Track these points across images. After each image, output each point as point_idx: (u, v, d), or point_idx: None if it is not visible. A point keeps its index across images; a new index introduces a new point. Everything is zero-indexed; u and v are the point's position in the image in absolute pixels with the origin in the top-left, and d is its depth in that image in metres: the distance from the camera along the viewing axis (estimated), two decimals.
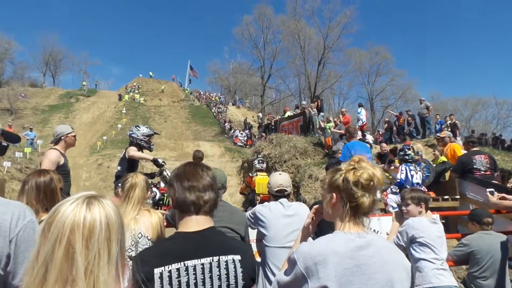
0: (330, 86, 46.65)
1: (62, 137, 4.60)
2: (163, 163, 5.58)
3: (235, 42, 61.77)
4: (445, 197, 7.49)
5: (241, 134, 31.10)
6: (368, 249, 1.48)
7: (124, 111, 41.13)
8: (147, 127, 5.75)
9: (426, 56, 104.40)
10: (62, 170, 4.38)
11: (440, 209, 6.75)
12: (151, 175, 5.66)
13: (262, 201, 8.18)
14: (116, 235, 1.06)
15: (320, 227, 1.94)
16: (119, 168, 5.40)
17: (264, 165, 9.21)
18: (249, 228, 3.17)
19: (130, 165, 5.37)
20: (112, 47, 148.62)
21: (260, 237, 3.11)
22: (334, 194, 1.60)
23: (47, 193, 2.41)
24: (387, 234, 3.87)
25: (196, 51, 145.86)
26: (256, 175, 8.71)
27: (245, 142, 30.11)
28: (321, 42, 41.88)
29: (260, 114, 42.93)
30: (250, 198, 8.83)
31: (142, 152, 5.54)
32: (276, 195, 3.24)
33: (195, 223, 1.59)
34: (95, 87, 62.36)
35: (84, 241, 1.00)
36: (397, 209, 5.76)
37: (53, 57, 63.70)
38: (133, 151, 5.38)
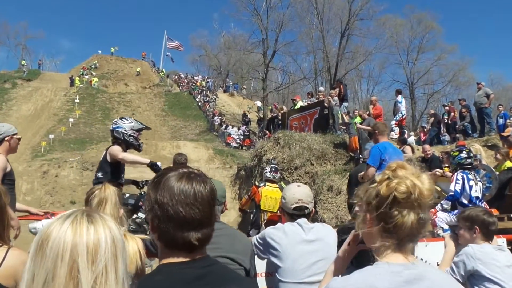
0: (356, 67, 46.66)
1: (6, 138, 4.69)
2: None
3: (227, 6, 61.65)
4: None
5: (236, 131, 31.17)
6: (419, 285, 1.51)
7: (77, 100, 41.20)
8: (135, 120, 5.86)
9: (485, 27, 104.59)
10: (9, 179, 4.48)
11: (505, 232, 6.79)
12: (137, 183, 5.76)
13: (269, 222, 8.21)
14: (121, 253, 1.19)
15: (357, 257, 1.98)
16: (99, 174, 5.46)
17: (278, 175, 9.17)
18: (256, 258, 3.20)
19: (114, 170, 5.44)
20: (60, 14, 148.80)
21: (272, 269, 3.14)
22: (367, 214, 1.64)
23: None
24: (438, 264, 3.93)
25: (175, 18, 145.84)
26: (265, 185, 8.74)
27: (241, 142, 30.19)
28: (346, 6, 41.87)
29: (259, 103, 42.77)
30: (254, 216, 8.85)
31: (126, 152, 5.62)
32: (294, 213, 3.28)
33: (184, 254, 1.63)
34: (38, 67, 62.42)
35: (89, 256, 1.12)
36: (449, 232, 5.82)
37: None
38: (119, 152, 5.43)
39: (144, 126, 5.83)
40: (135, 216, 5.13)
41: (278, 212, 8.65)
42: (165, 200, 1.55)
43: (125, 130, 5.58)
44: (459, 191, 6.53)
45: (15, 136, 4.80)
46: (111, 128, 5.70)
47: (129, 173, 6.34)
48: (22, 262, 2.37)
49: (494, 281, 3.21)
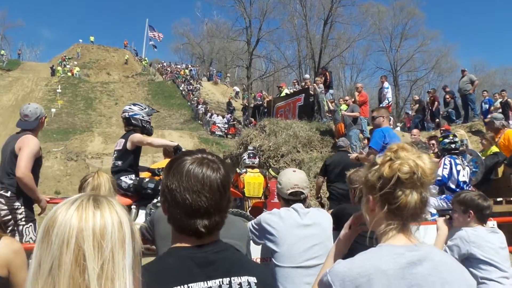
0: (340, 54, 46.68)
1: (41, 119, 5.00)
2: None
3: None
4: (498, 199, 7.67)
5: (221, 120, 31.12)
6: (423, 266, 1.52)
7: (59, 90, 40.71)
8: (147, 105, 5.87)
9: (467, 13, 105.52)
10: (38, 164, 4.74)
11: (492, 215, 6.91)
12: (152, 171, 5.78)
13: (254, 208, 8.25)
14: (130, 238, 1.15)
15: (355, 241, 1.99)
16: (119, 163, 5.39)
17: (256, 160, 9.30)
18: (251, 244, 3.21)
19: (134, 157, 5.45)
20: (40, 3, 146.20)
21: (268, 255, 3.16)
22: (370, 197, 1.65)
23: None
24: None
25: (157, 7, 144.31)
26: (246, 172, 8.78)
27: (225, 131, 30.17)
28: None
29: (237, 88, 42.48)
30: (237, 204, 8.90)
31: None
32: (290, 198, 3.30)
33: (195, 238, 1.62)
34: (18, 57, 61.48)
35: (95, 242, 1.08)
36: (436, 216, 5.89)
37: None
38: (145, 137, 5.45)
39: (154, 111, 5.87)
40: (155, 200, 5.13)
41: (262, 197, 8.73)
42: (173, 186, 1.56)
43: (143, 117, 5.56)
44: (446, 175, 6.60)
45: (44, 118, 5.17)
46: (127, 116, 5.61)
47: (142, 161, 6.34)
48: (13, 251, 2.35)
49: (490, 263, 3.25)
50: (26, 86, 42.52)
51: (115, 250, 1.10)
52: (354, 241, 1.95)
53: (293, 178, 3.33)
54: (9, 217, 4.60)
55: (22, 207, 4.70)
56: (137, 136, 5.37)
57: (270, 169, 10.29)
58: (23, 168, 4.48)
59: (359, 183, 1.74)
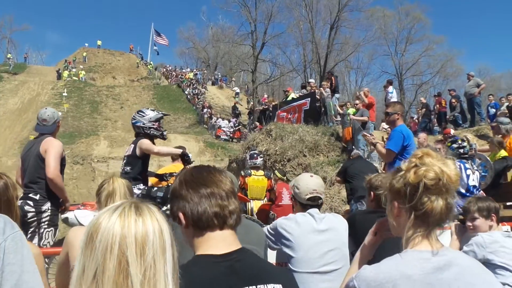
0: (345, 58, 46.77)
1: (58, 123, 5.18)
2: (192, 161, 5.68)
3: None
4: (508, 203, 7.62)
5: (227, 124, 31.13)
6: (449, 271, 1.53)
7: (65, 94, 40.77)
8: (152, 110, 5.81)
9: (472, 19, 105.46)
10: (63, 164, 4.90)
11: (502, 220, 6.87)
12: (161, 177, 5.79)
13: (260, 212, 8.24)
14: (170, 245, 1.19)
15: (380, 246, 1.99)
16: (127, 168, 5.43)
17: (258, 161, 9.11)
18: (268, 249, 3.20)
19: (143, 163, 5.48)
20: (46, 7, 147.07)
21: (284, 260, 3.17)
22: (395, 203, 1.66)
23: (1, 204, 2.42)
24: None
25: (162, 11, 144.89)
26: (250, 174, 8.74)
27: (231, 135, 30.19)
28: None
29: (237, 89, 42.41)
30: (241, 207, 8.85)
31: (153, 143, 5.62)
32: (308, 204, 3.30)
33: (221, 242, 1.62)
34: (24, 61, 61.98)
35: (138, 249, 1.12)
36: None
37: None
38: (153, 146, 5.46)
39: (161, 115, 5.79)
40: (164, 208, 5.15)
41: (265, 200, 8.70)
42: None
43: (143, 124, 5.56)
44: None
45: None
46: (131, 123, 5.73)
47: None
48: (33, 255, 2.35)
49: (506, 268, 3.23)
50: (32, 89, 42.66)
51: (157, 257, 1.14)
52: (379, 246, 1.95)
53: (311, 183, 3.33)
54: (34, 219, 4.69)
55: (49, 210, 4.80)
56: (145, 143, 5.39)
57: (276, 171, 10.26)
58: (53, 169, 4.65)
59: (384, 189, 1.74)
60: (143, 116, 5.63)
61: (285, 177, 9.86)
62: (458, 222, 4.00)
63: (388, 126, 10.53)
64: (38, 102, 38.73)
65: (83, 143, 26.07)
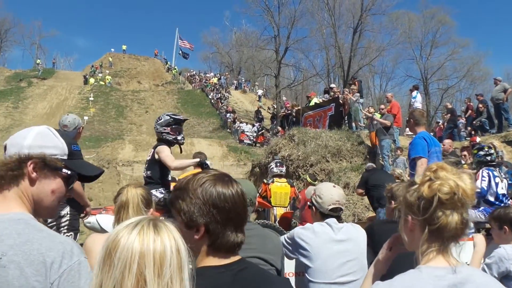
0: (369, 63, 46.22)
1: (79, 130, 5.28)
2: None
3: (239, 4, 61.43)
4: None
5: (250, 128, 31.15)
6: None
7: (91, 98, 41.43)
8: (167, 114, 5.76)
9: (500, 20, 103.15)
10: None
11: None
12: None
13: (283, 219, 8.23)
14: (185, 263, 1.21)
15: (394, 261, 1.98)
16: (148, 173, 5.49)
17: (284, 169, 9.30)
18: (285, 258, 3.21)
19: (163, 167, 5.44)
20: (73, 13, 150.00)
21: (302, 269, 3.15)
22: (409, 217, 1.63)
23: None
24: (467, 264, 3.89)
25: (186, 16, 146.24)
26: (273, 181, 8.80)
27: (254, 139, 30.17)
28: (358, 1, 41.60)
29: (260, 91, 42.05)
30: (264, 215, 8.89)
31: (170, 148, 5.60)
32: (330, 214, 3.28)
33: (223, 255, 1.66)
34: (53, 66, 63.37)
35: (156, 268, 1.14)
36: (472, 231, 5.76)
37: None
38: (170, 161, 5.32)
39: (170, 119, 5.65)
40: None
41: (288, 207, 8.72)
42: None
43: (157, 129, 5.62)
44: (485, 188, 6.45)
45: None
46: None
47: None
48: None
49: None
50: (60, 94, 43.50)
51: (174, 276, 1.16)
52: (393, 261, 1.94)
53: (335, 194, 3.32)
54: (54, 223, 4.74)
55: (68, 215, 4.88)
56: (162, 154, 5.33)
57: (307, 175, 10.23)
58: None
59: (398, 202, 1.72)
60: (158, 121, 5.69)
61: (316, 182, 9.83)
62: (484, 233, 3.96)
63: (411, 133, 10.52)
64: (65, 106, 39.50)
65: (108, 147, 26.39)
